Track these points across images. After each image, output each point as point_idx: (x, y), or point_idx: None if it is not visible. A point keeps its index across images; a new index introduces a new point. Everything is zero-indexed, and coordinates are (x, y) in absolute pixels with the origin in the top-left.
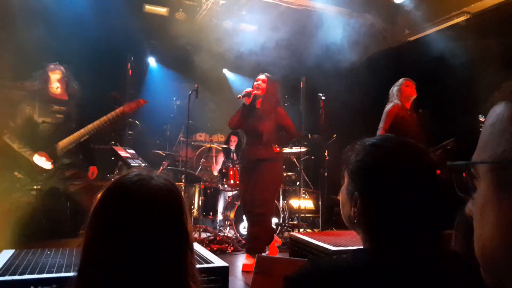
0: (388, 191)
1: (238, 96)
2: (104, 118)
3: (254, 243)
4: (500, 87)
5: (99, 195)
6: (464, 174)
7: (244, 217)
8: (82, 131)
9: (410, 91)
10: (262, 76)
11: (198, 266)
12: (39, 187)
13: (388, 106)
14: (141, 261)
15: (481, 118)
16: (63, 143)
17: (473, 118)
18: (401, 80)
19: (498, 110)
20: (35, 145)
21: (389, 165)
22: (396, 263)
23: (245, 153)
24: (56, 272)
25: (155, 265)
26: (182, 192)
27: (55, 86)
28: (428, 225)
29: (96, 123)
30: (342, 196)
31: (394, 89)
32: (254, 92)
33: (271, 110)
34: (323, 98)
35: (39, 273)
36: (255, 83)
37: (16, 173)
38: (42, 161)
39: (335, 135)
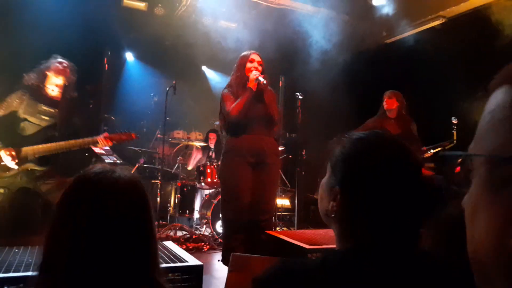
0: (369, 186)
1: (263, 81)
2: (90, 139)
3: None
4: (501, 69)
5: (67, 186)
6: (458, 168)
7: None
8: (63, 144)
9: (388, 105)
10: (257, 57)
11: (172, 265)
12: (5, 185)
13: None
14: (104, 251)
15: (454, 120)
16: (38, 149)
17: (446, 120)
18: (386, 92)
19: (499, 95)
20: (11, 140)
21: (372, 160)
22: (366, 264)
23: (250, 144)
24: (23, 271)
25: (118, 256)
26: (158, 190)
27: (51, 88)
28: (407, 224)
29: (79, 142)
30: (321, 189)
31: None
32: (264, 82)
33: (273, 95)
34: (300, 97)
35: (5, 272)
36: (251, 64)
37: None
38: (8, 159)
39: (311, 134)
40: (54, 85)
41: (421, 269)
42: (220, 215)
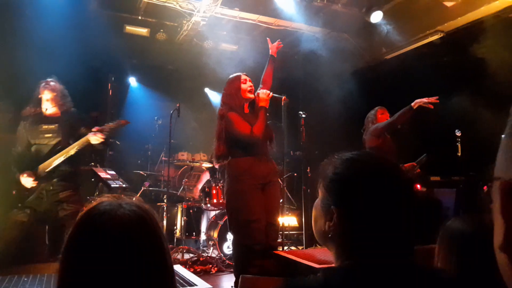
0: (364, 205)
1: (284, 97)
2: (83, 139)
3: None
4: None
5: (72, 227)
6: (485, 187)
7: (228, 237)
8: (62, 151)
9: (384, 119)
10: (248, 77)
11: None
12: (31, 206)
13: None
14: None
15: (457, 133)
16: (44, 164)
17: (450, 133)
18: (376, 108)
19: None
20: (30, 167)
21: (366, 179)
22: (367, 282)
23: (261, 165)
24: None
25: None
26: (164, 213)
27: (45, 107)
28: (403, 240)
29: (74, 144)
30: (315, 210)
31: (370, 117)
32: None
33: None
34: (303, 116)
35: None
36: (245, 85)
37: (14, 192)
38: (25, 179)
39: (316, 152)
40: (45, 102)
41: (420, 285)
42: (233, 241)
